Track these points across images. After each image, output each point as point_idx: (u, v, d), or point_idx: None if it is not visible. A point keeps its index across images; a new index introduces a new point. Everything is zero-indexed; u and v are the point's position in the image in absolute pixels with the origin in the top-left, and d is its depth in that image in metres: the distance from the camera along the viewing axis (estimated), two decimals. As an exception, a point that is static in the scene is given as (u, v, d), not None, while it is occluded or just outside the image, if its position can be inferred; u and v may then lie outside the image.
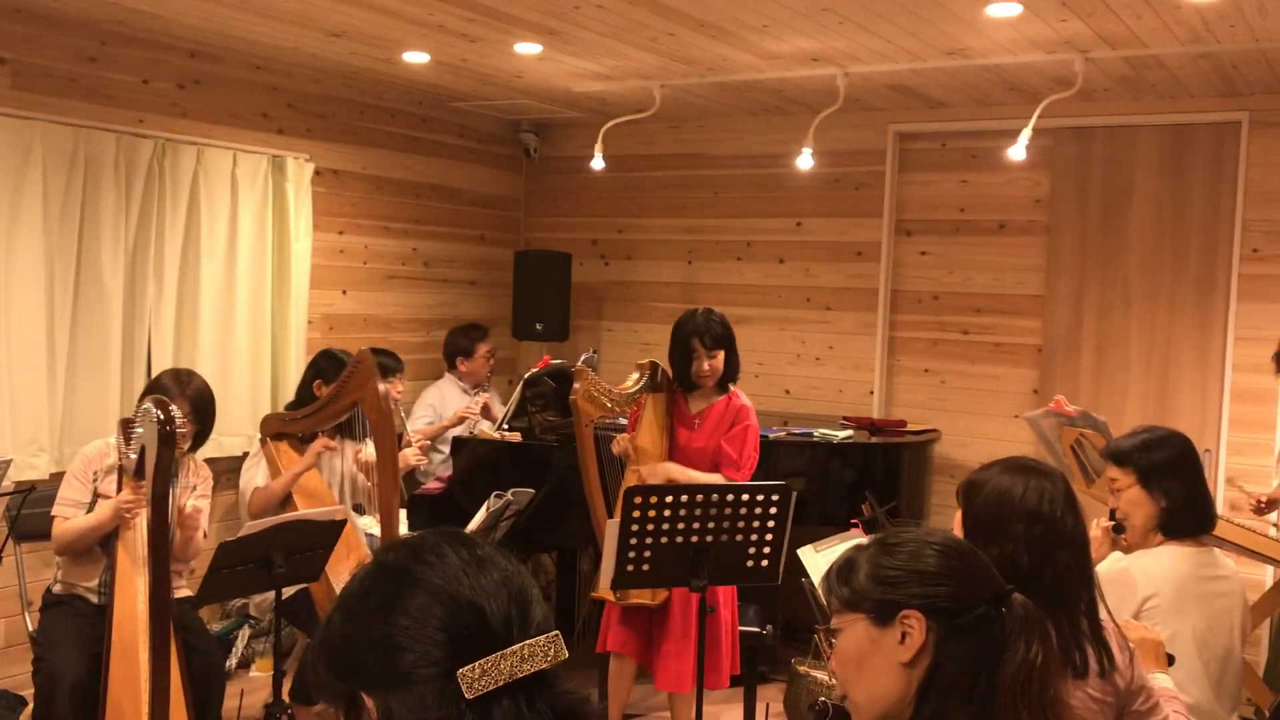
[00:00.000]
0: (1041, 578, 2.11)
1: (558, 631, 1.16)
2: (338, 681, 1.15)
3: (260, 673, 4.92)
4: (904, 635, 1.52)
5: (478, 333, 5.86)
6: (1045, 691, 1.47)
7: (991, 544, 2.11)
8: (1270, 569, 4.31)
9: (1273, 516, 4.27)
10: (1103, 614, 2.23)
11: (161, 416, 3.09)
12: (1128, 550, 2.98)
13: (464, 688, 1.08)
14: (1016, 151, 4.63)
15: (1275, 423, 4.92)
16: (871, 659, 1.54)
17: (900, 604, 1.53)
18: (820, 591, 2.14)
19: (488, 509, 4.15)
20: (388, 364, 4.71)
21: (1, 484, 3.51)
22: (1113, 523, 3.02)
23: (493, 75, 5.21)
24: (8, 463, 3.60)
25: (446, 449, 5.43)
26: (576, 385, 4.01)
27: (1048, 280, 5.47)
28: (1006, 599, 1.52)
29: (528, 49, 4.59)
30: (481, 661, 1.09)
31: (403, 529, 4.26)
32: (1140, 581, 2.82)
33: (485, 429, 5.35)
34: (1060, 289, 5.43)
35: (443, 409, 5.62)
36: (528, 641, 1.12)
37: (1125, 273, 5.29)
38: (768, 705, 3.67)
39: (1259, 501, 4.26)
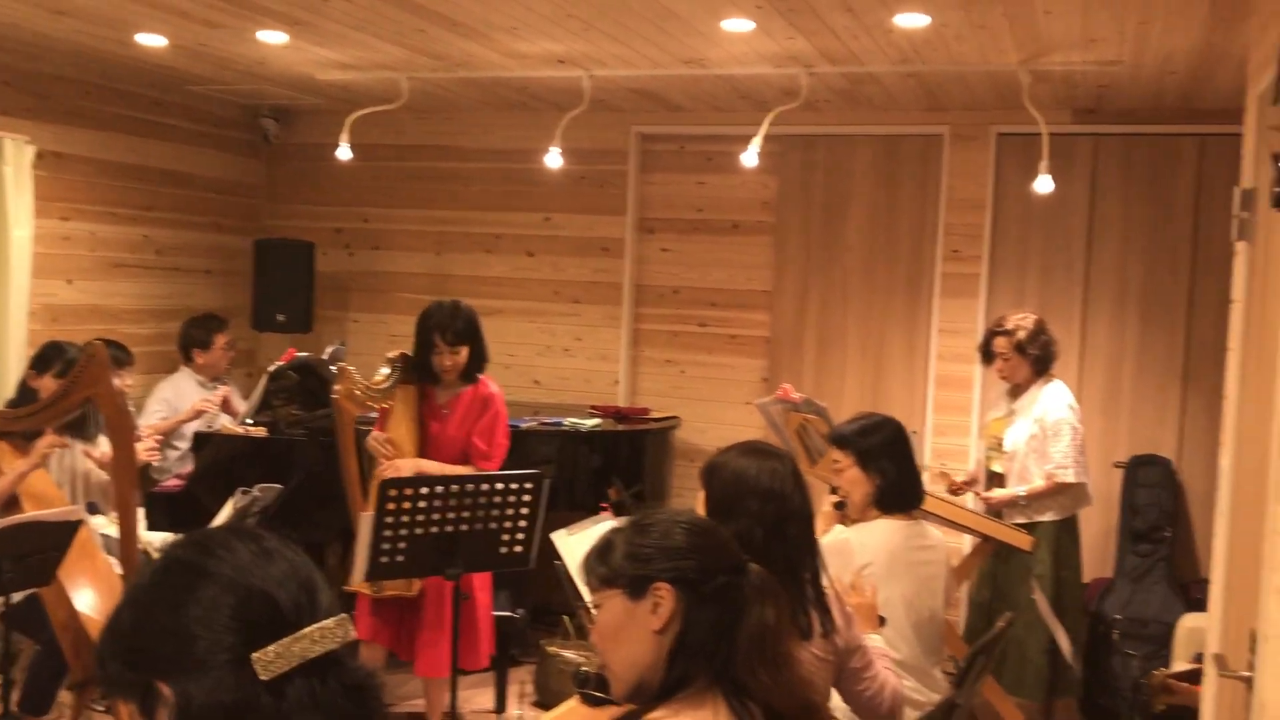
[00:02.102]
0: (773, 550, 2.34)
1: (345, 615, 1.24)
2: (130, 672, 1.19)
3: (-21, 687, 4.62)
4: (656, 606, 1.68)
5: (215, 324, 5.68)
6: (778, 650, 1.67)
7: (730, 520, 2.32)
8: (968, 537, 4.81)
9: (975, 488, 4.76)
10: (825, 581, 2.49)
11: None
12: (848, 524, 3.30)
13: (259, 670, 1.15)
14: (749, 158, 4.94)
15: (972, 407, 5.49)
16: (628, 629, 1.69)
17: (652, 578, 1.69)
18: (578, 573, 2.29)
19: (234, 506, 4.07)
20: (117, 356, 4.52)
21: None
22: (836, 499, 3.34)
23: (234, 61, 5.07)
24: None
25: (184, 445, 5.25)
26: (339, 386, 4.00)
27: (775, 277, 5.86)
28: (744, 569, 1.72)
29: (273, 37, 4.51)
30: (275, 645, 1.16)
31: (141, 528, 4.12)
32: (858, 551, 3.14)
33: (226, 424, 5.21)
34: (786, 285, 5.84)
35: (178, 403, 5.42)
36: (318, 625, 1.20)
37: (844, 271, 5.75)
38: (521, 686, 3.81)
39: (955, 484, 4.74)
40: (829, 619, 2.44)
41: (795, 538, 2.43)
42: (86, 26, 4.46)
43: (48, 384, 4.07)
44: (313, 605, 1.22)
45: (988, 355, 4.64)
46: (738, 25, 4.04)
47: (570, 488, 5.21)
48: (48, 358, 4.17)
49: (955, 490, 4.75)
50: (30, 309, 5.12)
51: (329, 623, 1.21)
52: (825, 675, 2.47)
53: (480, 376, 4.15)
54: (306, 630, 1.19)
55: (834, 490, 3.39)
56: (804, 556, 2.44)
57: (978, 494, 4.73)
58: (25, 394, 4.16)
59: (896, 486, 3.26)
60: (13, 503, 3.86)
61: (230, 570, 1.20)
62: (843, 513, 3.34)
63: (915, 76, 4.79)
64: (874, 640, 2.68)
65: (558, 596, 3.73)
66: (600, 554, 1.76)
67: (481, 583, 4.14)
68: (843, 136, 5.72)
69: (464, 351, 4.03)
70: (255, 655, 1.16)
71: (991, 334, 4.62)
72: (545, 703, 4.64)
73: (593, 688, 1.88)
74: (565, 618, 4.98)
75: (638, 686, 1.69)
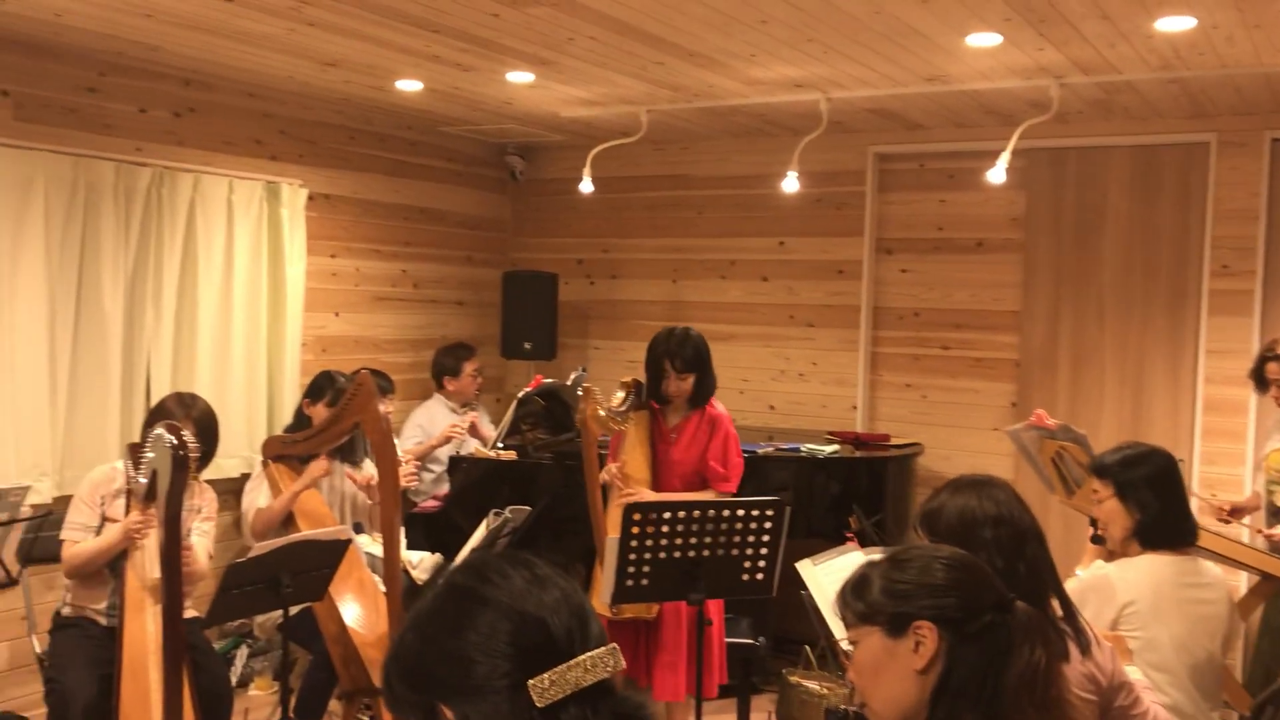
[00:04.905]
0: (1016, 573, 2.26)
1: (615, 644, 1.26)
2: (414, 694, 1.24)
3: (259, 691, 4.98)
4: (917, 645, 1.63)
5: (464, 352, 5.93)
6: (1049, 691, 1.59)
7: (967, 556, 2.24)
8: (1245, 575, 4.45)
9: (1246, 520, 4.41)
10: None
11: (175, 441, 3.16)
12: (1110, 559, 3.11)
13: (535, 697, 1.18)
14: (996, 174, 4.75)
15: (1246, 433, 5.09)
16: (887, 668, 1.65)
17: (912, 615, 1.64)
18: (829, 606, 2.25)
19: (487, 527, 4.23)
20: (381, 384, 4.78)
21: (21, 510, 3.58)
22: (1095, 532, 3.16)
23: (483, 102, 5.31)
24: (25, 489, 3.66)
25: (438, 468, 5.50)
26: (585, 407, 4.11)
27: (1024, 296, 5.62)
28: (1010, 607, 1.64)
29: (520, 78, 4.70)
30: (550, 672, 1.19)
31: (401, 547, 4.33)
32: (1119, 588, 2.95)
33: (477, 448, 5.43)
34: (1036, 305, 5.59)
35: (431, 428, 5.68)
36: (591, 653, 1.22)
37: (1099, 289, 5.45)
38: (767, 715, 3.78)
39: (1223, 510, 4.41)
40: (1083, 636, 2.32)
41: (1035, 556, 2.34)
42: (352, 76, 4.78)
43: (320, 411, 4.36)
44: (584, 633, 1.24)
45: (1261, 382, 4.30)
46: (984, 40, 3.92)
47: (808, 515, 5.14)
48: (320, 387, 4.47)
49: (1223, 520, 4.42)
50: (303, 340, 5.52)
51: (601, 651, 1.23)
52: (1091, 716, 2.34)
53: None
54: (580, 658, 1.21)
55: (1093, 523, 3.21)
56: (1046, 575, 2.34)
57: (1258, 530, 4.37)
58: (300, 420, 4.47)
59: (1160, 522, 3.04)
60: (289, 521, 4.14)
61: (506, 597, 1.24)
62: (1101, 546, 3.16)
63: (1178, 82, 4.50)
64: (1132, 673, 2.52)
65: (798, 625, 3.69)
66: (856, 589, 1.72)
67: (716, 610, 4.14)
68: (1096, 148, 5.44)
69: (691, 379, 4.08)
70: (531, 682, 1.18)
71: (1263, 359, 4.28)
72: (787, 732, 4.59)
73: (850, 724, 1.84)
74: (806, 647, 4.92)
75: (899, 726, 1.64)
